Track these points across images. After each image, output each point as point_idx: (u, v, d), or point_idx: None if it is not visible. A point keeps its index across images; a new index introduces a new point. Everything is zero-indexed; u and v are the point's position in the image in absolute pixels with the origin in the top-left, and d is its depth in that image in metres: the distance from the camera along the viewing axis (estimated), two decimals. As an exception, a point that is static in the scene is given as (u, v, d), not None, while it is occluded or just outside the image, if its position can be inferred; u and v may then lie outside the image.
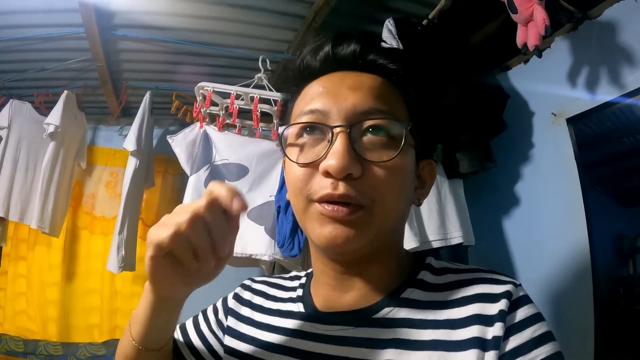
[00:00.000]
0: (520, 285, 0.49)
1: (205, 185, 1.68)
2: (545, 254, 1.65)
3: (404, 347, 0.46)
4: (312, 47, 0.54)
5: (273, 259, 1.63)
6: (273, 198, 1.65)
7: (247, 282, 0.68)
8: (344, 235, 0.46)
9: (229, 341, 0.60)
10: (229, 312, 0.64)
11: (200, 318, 0.67)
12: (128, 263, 1.98)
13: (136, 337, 0.53)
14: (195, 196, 1.67)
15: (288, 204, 1.55)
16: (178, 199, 2.38)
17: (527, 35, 1.36)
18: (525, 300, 0.47)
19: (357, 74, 0.51)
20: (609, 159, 4.00)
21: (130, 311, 2.24)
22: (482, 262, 1.86)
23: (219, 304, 0.67)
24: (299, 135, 0.50)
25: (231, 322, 0.62)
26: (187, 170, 1.71)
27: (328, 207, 0.46)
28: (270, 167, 1.72)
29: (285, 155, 0.52)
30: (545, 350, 0.43)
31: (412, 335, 0.47)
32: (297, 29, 1.78)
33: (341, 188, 0.45)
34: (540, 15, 1.28)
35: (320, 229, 0.47)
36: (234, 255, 1.63)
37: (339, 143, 0.46)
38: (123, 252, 1.95)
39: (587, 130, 3.34)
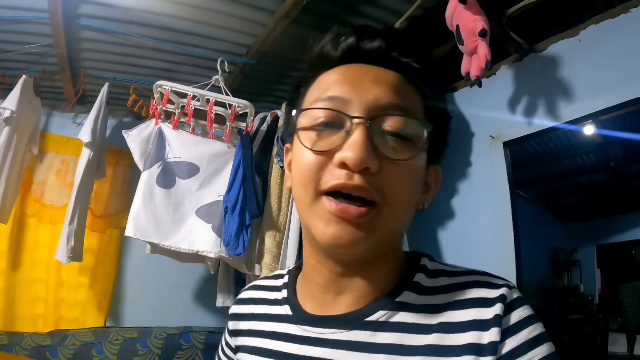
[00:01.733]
0: (514, 286, 0.48)
1: (157, 181, 1.70)
2: (474, 264, 1.78)
3: (397, 352, 0.46)
4: (333, 36, 0.52)
5: (218, 256, 1.68)
6: (221, 198, 1.70)
7: (238, 296, 0.68)
8: (349, 237, 0.44)
9: (240, 356, 0.60)
10: (232, 333, 0.64)
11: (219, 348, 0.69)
12: (76, 254, 1.97)
13: None
14: (147, 192, 1.69)
15: (235, 204, 1.61)
16: (128, 191, 2.36)
17: (471, 65, 1.48)
18: (520, 302, 0.47)
19: (379, 68, 0.50)
20: (550, 178, 4.27)
21: (75, 302, 2.25)
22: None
23: (225, 329, 0.67)
24: (314, 121, 0.47)
25: (238, 341, 0.62)
26: (140, 166, 1.73)
27: (338, 206, 0.44)
28: (220, 168, 1.77)
29: (299, 141, 0.48)
30: (541, 351, 0.43)
31: (405, 340, 0.46)
32: (257, 35, 1.82)
33: (357, 179, 0.43)
34: (482, 50, 1.39)
35: (325, 228, 0.45)
36: (182, 250, 1.67)
37: (358, 135, 0.44)
38: (72, 243, 1.93)
39: (530, 149, 3.56)
